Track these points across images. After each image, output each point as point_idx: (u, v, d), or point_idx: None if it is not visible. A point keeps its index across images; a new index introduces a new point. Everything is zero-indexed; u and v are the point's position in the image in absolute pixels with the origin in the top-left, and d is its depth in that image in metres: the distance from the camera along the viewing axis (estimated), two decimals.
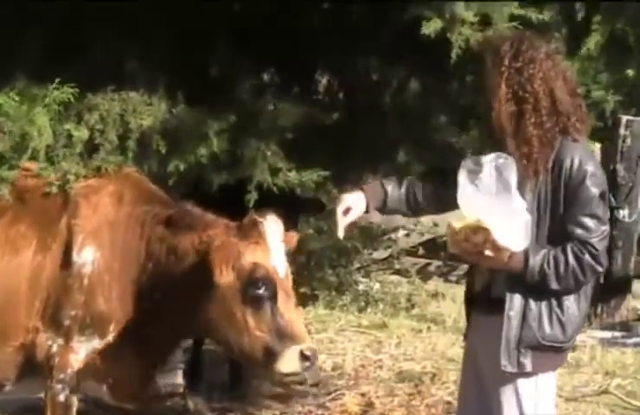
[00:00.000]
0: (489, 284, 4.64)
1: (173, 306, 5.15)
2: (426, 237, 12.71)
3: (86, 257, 5.23)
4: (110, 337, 5.23)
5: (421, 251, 12.86)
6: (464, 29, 5.04)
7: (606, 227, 4.52)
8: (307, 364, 4.84)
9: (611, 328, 10.37)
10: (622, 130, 10.63)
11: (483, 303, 4.69)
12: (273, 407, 7.90)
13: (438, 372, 8.51)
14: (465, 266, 12.27)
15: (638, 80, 5.96)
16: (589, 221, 4.45)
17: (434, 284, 12.28)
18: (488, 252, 4.45)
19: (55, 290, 5.24)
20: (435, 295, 11.80)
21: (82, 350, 5.22)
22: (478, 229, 4.42)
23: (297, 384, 7.29)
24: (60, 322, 5.21)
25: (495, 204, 4.41)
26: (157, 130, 5.38)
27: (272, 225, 4.96)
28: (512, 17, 5.09)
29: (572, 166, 4.46)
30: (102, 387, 5.45)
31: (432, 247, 12.74)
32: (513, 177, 4.43)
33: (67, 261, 5.25)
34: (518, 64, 4.49)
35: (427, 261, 12.79)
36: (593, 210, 4.47)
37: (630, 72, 5.85)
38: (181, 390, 7.59)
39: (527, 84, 4.48)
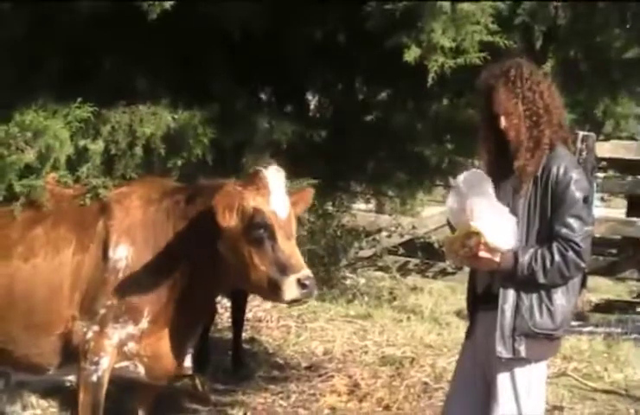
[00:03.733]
0: (490, 285, 4.55)
1: (203, 276, 5.17)
2: (406, 238, 12.64)
3: (121, 253, 5.17)
4: (145, 323, 5.17)
5: (401, 250, 12.74)
6: (439, 56, 4.92)
7: (589, 228, 4.47)
8: (305, 291, 4.86)
9: None
10: (578, 144, 10.55)
11: (485, 300, 4.58)
12: (270, 388, 7.74)
13: (417, 356, 8.40)
14: (440, 264, 12.78)
15: (589, 102, 5.95)
16: (573, 222, 4.40)
17: (413, 279, 12.22)
18: (482, 254, 4.41)
19: (93, 284, 5.19)
20: (414, 289, 11.74)
21: (116, 336, 5.14)
22: (471, 234, 4.40)
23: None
24: (96, 311, 5.15)
25: (482, 211, 4.40)
26: (160, 136, 5.32)
27: (274, 173, 4.94)
28: (482, 44, 5.00)
29: (558, 172, 4.41)
30: (137, 368, 5.32)
31: (411, 247, 12.73)
32: (490, 187, 4.44)
33: (103, 258, 5.19)
34: (528, 85, 4.45)
35: (407, 259, 12.69)
36: (577, 212, 4.41)
37: (581, 96, 5.86)
38: (190, 373, 7.39)
39: (539, 99, 4.46)
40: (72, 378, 5.46)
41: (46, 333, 5.18)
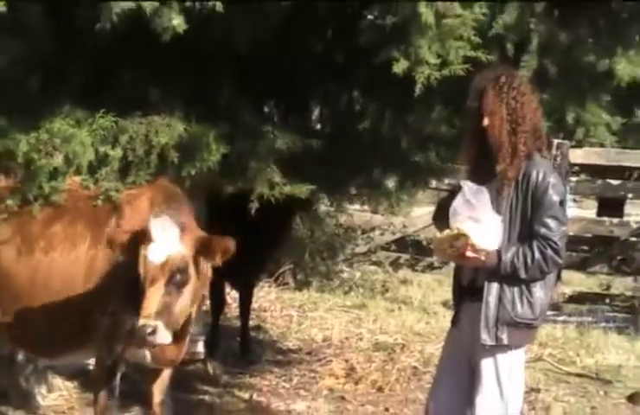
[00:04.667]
0: (474, 279, 4.52)
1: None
2: (397, 235, 12.58)
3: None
4: None
5: (393, 247, 12.69)
6: (425, 69, 4.90)
7: (565, 228, 4.48)
8: (137, 337, 4.75)
9: None
10: (553, 151, 10.57)
11: (470, 293, 4.55)
12: (274, 372, 7.76)
13: (407, 343, 8.41)
14: (428, 259, 12.78)
15: (559, 108, 5.94)
16: (551, 222, 4.40)
17: (403, 272, 12.18)
18: (469, 253, 4.41)
19: (105, 276, 5.17)
20: (404, 281, 11.72)
21: (128, 323, 5.05)
22: (459, 236, 4.39)
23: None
24: (108, 301, 5.13)
25: (473, 214, 4.42)
26: (173, 146, 5.30)
27: (158, 224, 4.81)
28: (465, 57, 4.99)
29: (537, 178, 4.41)
30: (145, 353, 5.29)
31: (402, 243, 12.67)
32: (484, 195, 4.44)
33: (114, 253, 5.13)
34: (513, 94, 4.45)
35: (398, 254, 12.64)
36: (555, 213, 4.42)
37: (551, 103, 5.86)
38: (202, 357, 7.47)
39: (520, 109, 4.45)
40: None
41: (63, 320, 5.18)
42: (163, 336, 4.78)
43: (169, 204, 5.17)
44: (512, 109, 4.45)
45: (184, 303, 4.91)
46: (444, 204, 4.56)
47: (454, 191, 4.59)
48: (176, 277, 4.82)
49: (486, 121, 4.45)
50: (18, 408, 6.49)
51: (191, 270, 4.89)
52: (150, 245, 4.79)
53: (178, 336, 5.19)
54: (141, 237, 4.85)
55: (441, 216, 4.58)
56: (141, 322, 4.69)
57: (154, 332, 4.72)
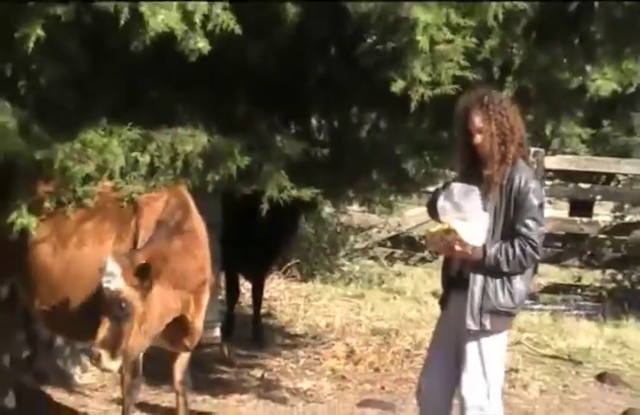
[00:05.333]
0: (461, 271, 4.52)
1: None
2: (392, 233, 12.57)
3: None
4: None
5: (388, 243, 12.69)
6: (420, 88, 4.91)
7: (543, 228, 4.51)
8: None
9: None
10: (531, 158, 10.57)
11: (457, 283, 4.55)
12: (282, 354, 7.74)
13: (401, 328, 8.38)
14: (420, 254, 12.77)
15: (538, 123, 5.94)
16: (531, 223, 4.41)
17: (398, 266, 12.15)
18: (457, 247, 4.43)
19: None
20: (398, 274, 11.68)
21: None
22: (449, 231, 4.41)
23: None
24: None
25: (460, 214, 4.41)
26: (198, 154, 5.29)
27: (108, 261, 4.79)
28: (455, 78, 4.97)
29: (520, 183, 4.42)
30: (163, 340, 5.30)
31: (397, 240, 12.69)
32: (475, 196, 4.43)
33: (134, 247, 5.16)
34: (498, 109, 4.44)
35: (392, 250, 12.65)
36: (534, 215, 4.43)
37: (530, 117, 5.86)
38: (218, 341, 7.45)
39: (507, 122, 4.44)
40: None
41: (93, 307, 5.11)
42: (107, 363, 4.81)
43: (179, 207, 5.21)
44: (500, 123, 4.44)
45: (131, 333, 4.84)
46: (437, 198, 4.56)
47: (447, 186, 4.60)
48: (115, 312, 4.79)
49: (478, 139, 4.46)
50: (57, 386, 6.50)
51: (135, 303, 4.82)
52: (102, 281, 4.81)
53: (188, 329, 5.25)
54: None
55: (434, 210, 4.58)
56: (91, 348, 4.81)
57: (98, 359, 4.79)
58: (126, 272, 4.80)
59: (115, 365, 4.86)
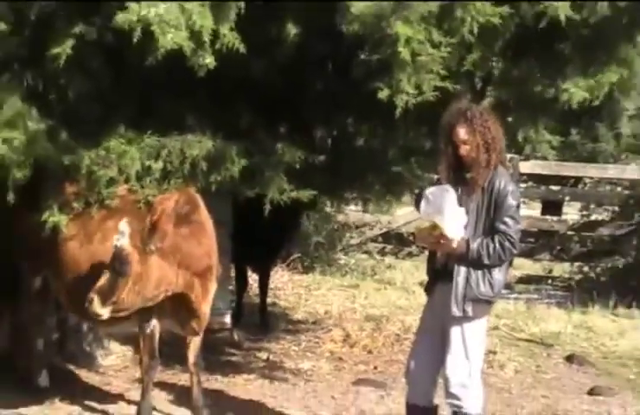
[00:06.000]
0: (445, 263, 4.51)
1: None
2: (384, 230, 12.52)
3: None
4: None
5: (380, 239, 12.63)
6: (404, 96, 4.85)
7: (520, 225, 4.53)
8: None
9: None
10: (507, 164, 10.57)
11: (442, 274, 4.54)
12: (286, 338, 7.69)
13: (391, 315, 8.32)
14: (407, 249, 12.73)
15: (511, 129, 5.92)
16: (509, 221, 4.42)
17: (388, 259, 12.07)
18: (443, 241, 4.42)
19: None
20: (389, 267, 11.60)
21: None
22: (436, 227, 4.41)
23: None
24: None
25: (444, 212, 4.39)
26: (202, 157, 5.27)
27: (123, 225, 4.89)
28: (436, 87, 4.93)
29: (500, 185, 4.42)
30: (174, 324, 5.33)
31: (387, 236, 12.63)
32: (454, 196, 4.40)
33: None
34: (480, 121, 4.44)
35: (384, 245, 12.59)
36: (512, 214, 4.43)
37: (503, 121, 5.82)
38: (228, 327, 7.42)
39: (489, 134, 4.44)
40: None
41: None
42: (97, 308, 4.81)
43: (187, 203, 5.20)
44: (483, 134, 4.43)
45: (128, 291, 4.85)
46: (421, 200, 4.54)
47: (438, 182, 4.60)
48: (115, 265, 4.80)
49: (464, 149, 4.45)
50: (83, 368, 6.46)
51: (134, 263, 4.83)
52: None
53: (195, 314, 5.25)
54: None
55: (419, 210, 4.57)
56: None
57: (90, 302, 4.78)
58: (134, 235, 4.84)
59: (105, 311, 4.83)
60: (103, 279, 4.81)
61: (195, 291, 5.17)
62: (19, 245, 5.70)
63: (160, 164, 5.23)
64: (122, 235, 4.83)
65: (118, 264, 4.79)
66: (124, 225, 4.88)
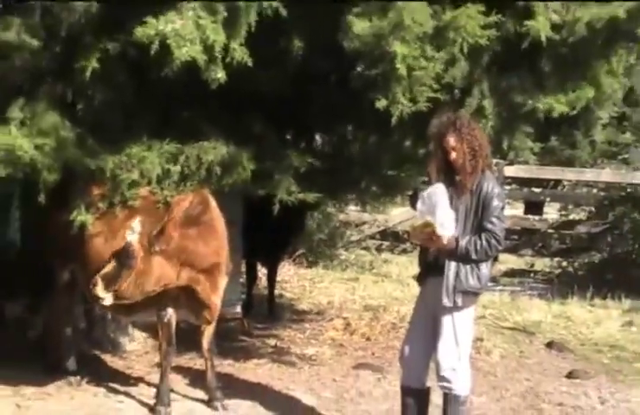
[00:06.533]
0: (437, 258, 4.50)
1: None
2: (381, 228, 12.55)
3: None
4: None
5: (378, 236, 12.65)
6: (399, 106, 4.86)
7: (505, 224, 4.53)
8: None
9: None
10: (493, 168, 10.56)
11: (434, 268, 4.53)
12: (292, 326, 7.67)
13: (388, 305, 8.30)
14: (402, 245, 12.70)
15: (496, 137, 5.91)
16: (495, 220, 4.41)
17: (385, 255, 12.10)
18: (434, 238, 4.41)
19: None
20: (386, 261, 11.61)
21: (173, 292, 5.11)
22: (428, 225, 4.39)
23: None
24: None
25: (437, 212, 4.38)
26: (217, 162, 5.26)
27: (136, 223, 4.97)
28: (429, 98, 4.93)
29: (487, 188, 4.42)
30: (189, 314, 5.33)
31: (384, 234, 12.65)
32: (445, 197, 4.40)
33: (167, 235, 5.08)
34: (468, 130, 4.44)
35: (381, 242, 12.60)
36: (498, 214, 4.42)
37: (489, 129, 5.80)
38: (239, 316, 7.41)
39: (475, 140, 4.43)
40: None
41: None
42: (100, 292, 4.85)
43: (200, 204, 5.18)
44: (470, 142, 4.42)
45: (129, 283, 4.90)
46: (417, 200, 4.56)
47: (422, 191, 4.59)
48: (122, 257, 4.84)
49: (453, 155, 4.44)
50: (108, 353, 6.47)
51: (139, 259, 4.86)
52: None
53: (206, 305, 5.25)
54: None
55: (414, 208, 4.60)
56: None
57: (94, 285, 4.82)
58: (144, 234, 4.87)
59: (106, 297, 4.89)
60: (110, 266, 4.85)
61: (202, 285, 5.17)
62: (50, 245, 5.70)
63: (178, 168, 5.23)
64: (132, 231, 4.88)
65: (124, 256, 4.83)
66: (136, 223, 4.92)
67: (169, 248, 4.94)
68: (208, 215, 5.20)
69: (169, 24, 4.49)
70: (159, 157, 5.23)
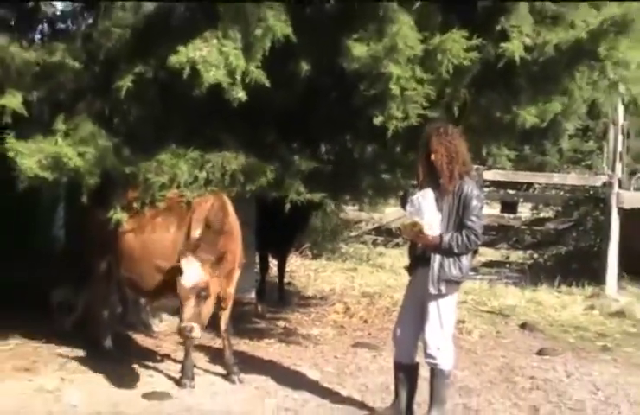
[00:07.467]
0: (424, 251, 4.50)
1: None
2: (376, 225, 12.56)
3: (198, 233, 5.10)
4: None
5: (373, 232, 12.64)
6: (394, 121, 4.87)
7: (482, 222, 4.52)
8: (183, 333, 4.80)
9: None
10: (473, 173, 10.51)
11: (421, 260, 4.53)
12: (300, 311, 7.66)
13: (382, 292, 8.31)
14: (395, 240, 12.68)
15: (476, 145, 5.90)
16: (474, 218, 4.41)
17: (380, 248, 12.10)
18: (421, 236, 4.43)
19: None
20: (380, 254, 11.61)
21: None
22: (416, 224, 4.41)
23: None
24: None
25: (424, 214, 4.40)
26: (239, 171, 5.27)
27: (185, 262, 4.83)
28: (419, 114, 4.93)
29: (467, 190, 4.41)
30: None
31: (379, 230, 12.65)
32: (432, 200, 4.41)
33: (188, 235, 5.14)
34: (448, 138, 4.44)
35: (376, 237, 12.60)
36: (477, 213, 4.42)
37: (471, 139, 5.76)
38: (253, 301, 7.45)
39: (453, 148, 4.42)
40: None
41: (160, 274, 5.11)
42: (197, 333, 4.77)
43: (220, 209, 5.17)
44: (447, 148, 4.42)
45: (208, 308, 4.90)
46: (406, 202, 4.58)
47: (412, 193, 4.61)
48: (201, 294, 4.80)
49: (433, 156, 4.45)
50: (140, 333, 6.49)
51: (210, 288, 4.84)
52: (182, 276, 4.77)
53: (223, 296, 5.21)
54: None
55: (404, 209, 4.60)
56: (182, 325, 4.70)
57: (191, 331, 4.72)
58: (204, 266, 4.82)
59: (200, 334, 4.85)
60: (190, 309, 4.73)
61: (223, 284, 5.18)
62: (90, 242, 5.72)
63: (204, 174, 5.24)
64: (196, 270, 4.78)
65: (201, 292, 4.78)
66: (193, 263, 4.81)
67: (220, 269, 4.99)
68: (227, 223, 5.20)
69: (197, 51, 4.52)
70: (187, 164, 5.24)
